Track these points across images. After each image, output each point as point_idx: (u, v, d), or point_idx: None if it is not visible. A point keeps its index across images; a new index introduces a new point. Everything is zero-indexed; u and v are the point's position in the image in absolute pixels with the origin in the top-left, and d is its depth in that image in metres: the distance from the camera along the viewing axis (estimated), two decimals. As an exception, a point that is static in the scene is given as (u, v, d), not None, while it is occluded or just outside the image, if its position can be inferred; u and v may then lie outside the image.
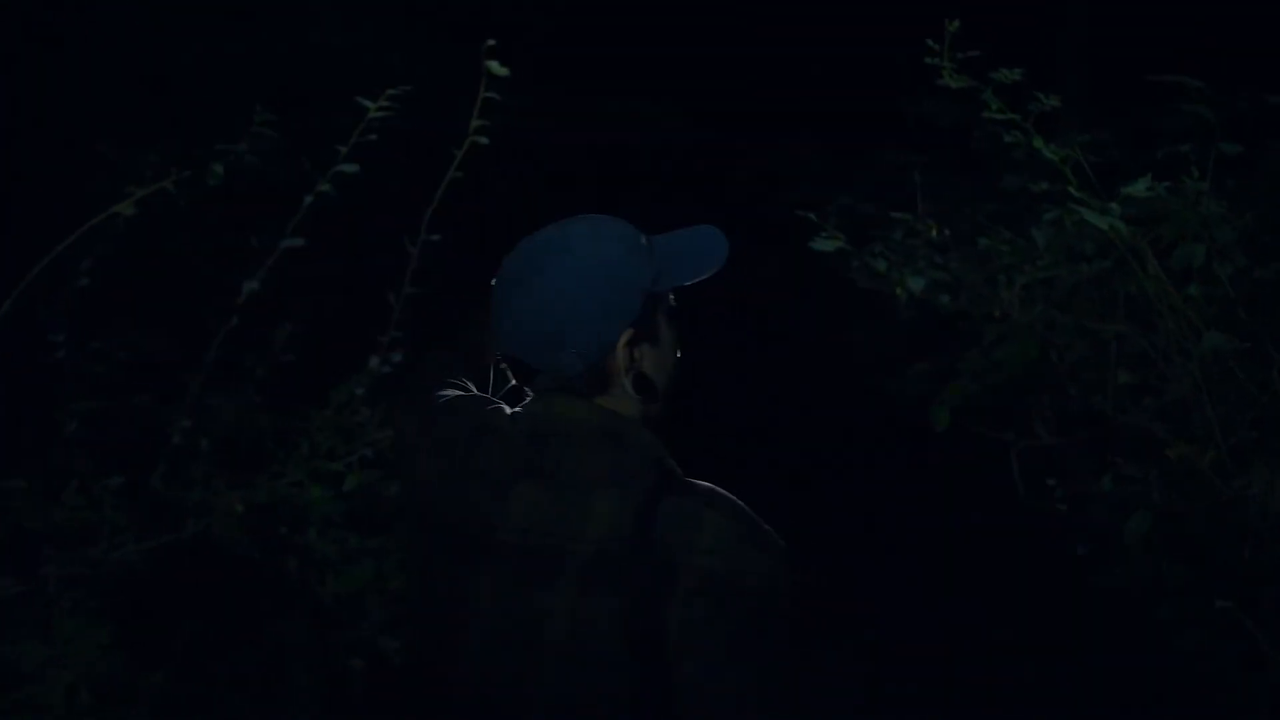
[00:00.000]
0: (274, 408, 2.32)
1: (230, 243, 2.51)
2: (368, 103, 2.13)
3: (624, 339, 1.04)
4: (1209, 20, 3.46)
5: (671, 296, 1.11)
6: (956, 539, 2.93)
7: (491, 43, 2.10)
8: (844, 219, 2.35)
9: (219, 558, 2.22)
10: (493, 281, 1.09)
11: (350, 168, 2.17)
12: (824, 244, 2.00)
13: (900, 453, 2.92)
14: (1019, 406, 2.15)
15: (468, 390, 1.17)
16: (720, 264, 1.08)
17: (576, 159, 3.43)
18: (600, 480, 0.99)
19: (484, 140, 2.19)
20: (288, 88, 3.02)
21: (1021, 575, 2.71)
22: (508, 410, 1.08)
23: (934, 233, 2.15)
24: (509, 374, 1.09)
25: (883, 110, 3.19)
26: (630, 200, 3.42)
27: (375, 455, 2.30)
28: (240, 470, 2.24)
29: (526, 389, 1.08)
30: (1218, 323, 1.73)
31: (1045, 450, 2.06)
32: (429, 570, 1.07)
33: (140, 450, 2.21)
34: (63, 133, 2.85)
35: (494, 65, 2.13)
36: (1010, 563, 2.74)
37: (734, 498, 1.01)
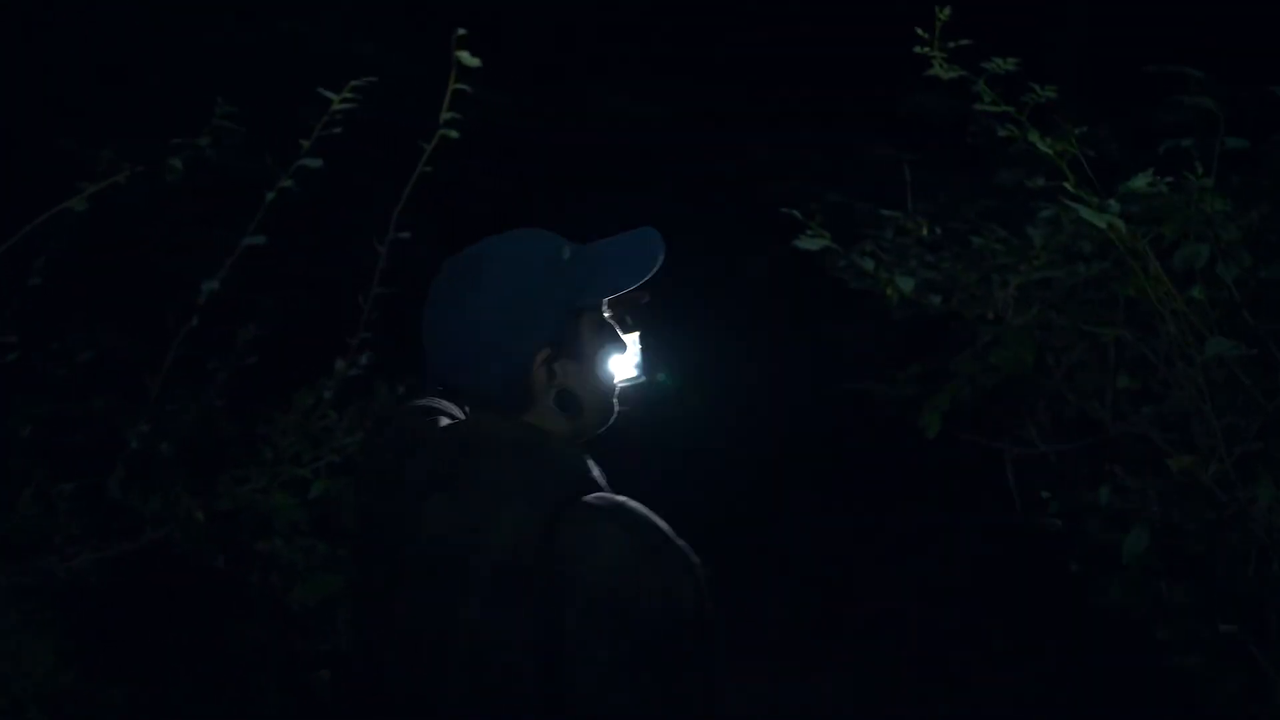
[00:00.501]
0: (238, 411, 2.23)
1: (196, 240, 2.42)
2: (330, 94, 2.04)
3: (540, 358, 1.04)
4: (1208, 14, 3.37)
5: (605, 308, 1.10)
6: (948, 548, 2.84)
7: (462, 32, 2.01)
8: (834, 216, 2.26)
9: (180, 567, 2.14)
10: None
11: (314, 162, 2.08)
12: (809, 242, 1.91)
13: (889, 460, 2.82)
14: (1013, 413, 2.07)
15: (443, 405, 1.18)
16: (651, 270, 1.07)
17: (559, 154, 3.33)
18: (509, 494, 1.00)
19: (454, 134, 2.09)
20: (266, 82, 2.93)
21: (1015, 589, 2.62)
22: (443, 424, 1.09)
23: (925, 231, 2.06)
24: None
25: (875, 105, 3.10)
26: (614, 196, 3.34)
27: (343, 461, 2.22)
28: (202, 476, 2.16)
29: (464, 407, 1.10)
30: (1221, 327, 1.63)
31: (1040, 458, 1.97)
32: (363, 580, 1.10)
33: (98, 455, 2.13)
34: (28, 127, 2.76)
35: (464, 56, 2.03)
36: (1004, 576, 2.65)
37: (647, 514, 1.00)
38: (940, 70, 1.74)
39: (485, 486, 1.01)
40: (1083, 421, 2.05)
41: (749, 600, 2.92)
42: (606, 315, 1.10)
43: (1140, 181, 1.57)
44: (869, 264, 1.94)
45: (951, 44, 1.74)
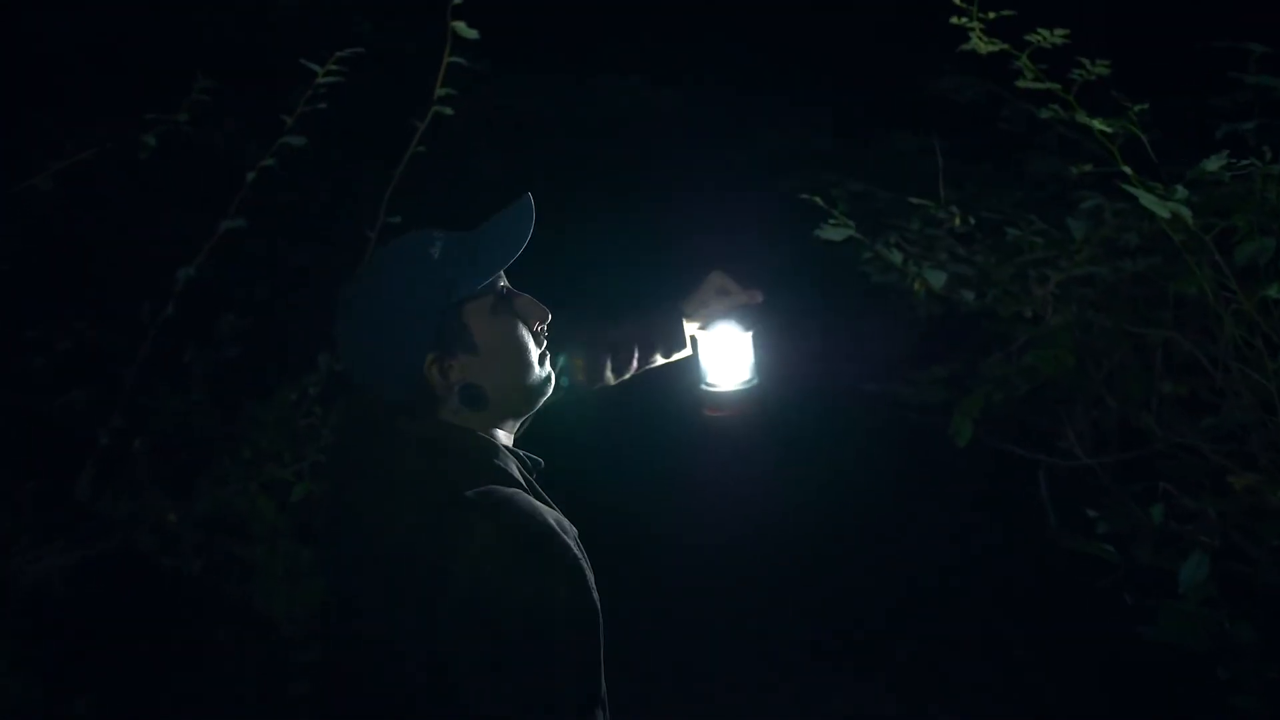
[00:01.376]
0: (218, 407, 2.10)
1: (178, 225, 2.29)
2: (315, 66, 1.89)
3: (428, 362, 1.04)
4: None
5: (503, 285, 1.08)
6: (977, 570, 2.67)
7: (458, 1, 1.85)
8: (854, 206, 2.10)
9: (153, 572, 2.00)
10: None
11: (297, 140, 1.93)
12: (831, 232, 1.75)
13: (910, 469, 2.66)
14: (1050, 419, 1.91)
15: None
16: (521, 245, 1.06)
17: (565, 134, 3.17)
18: (402, 490, 1.02)
19: (448, 111, 1.94)
20: (258, 62, 2.78)
21: (1052, 619, 2.43)
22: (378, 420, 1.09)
23: (958, 222, 1.89)
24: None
25: (896, 90, 2.92)
26: (620, 178, 3.18)
27: (329, 461, 2.08)
28: (178, 476, 2.02)
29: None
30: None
31: (1081, 472, 1.80)
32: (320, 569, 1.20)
33: (67, 452, 2.00)
34: (13, 108, 2.62)
35: (461, 27, 1.88)
36: (1038, 604, 2.47)
37: (528, 511, 0.99)
38: (979, 43, 1.57)
39: (384, 482, 1.02)
40: (1124, 430, 1.89)
41: (764, 610, 2.78)
42: (503, 291, 1.08)
43: (1214, 164, 1.40)
44: (897, 256, 1.78)
45: (991, 14, 1.58)
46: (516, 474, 1.05)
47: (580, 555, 0.99)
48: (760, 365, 1.24)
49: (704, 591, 2.80)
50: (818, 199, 1.73)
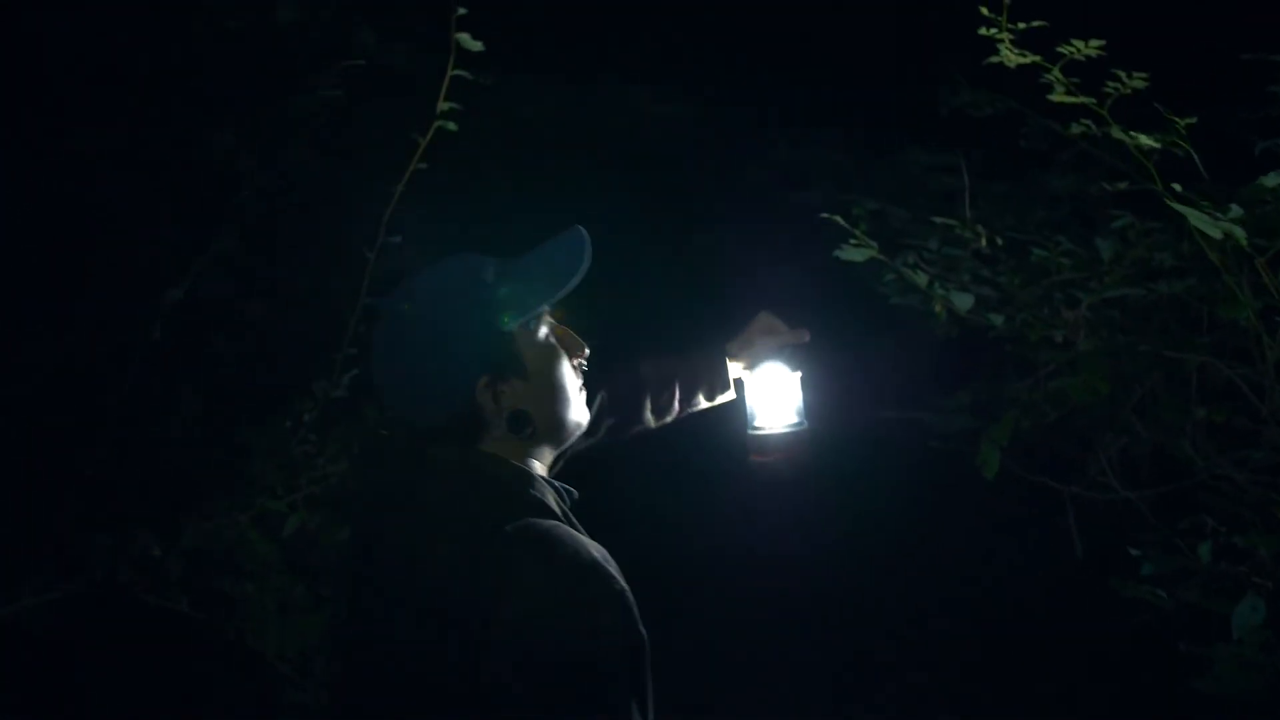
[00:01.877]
0: (209, 434, 2.01)
1: (173, 243, 2.21)
2: (315, 79, 1.82)
3: (480, 385, 1.02)
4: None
5: (548, 316, 1.07)
6: (1006, 612, 2.55)
7: (462, 11, 1.78)
8: (871, 225, 2.02)
9: (137, 611, 1.91)
10: None
11: (295, 156, 1.85)
12: (852, 253, 1.68)
13: (937, 497, 2.57)
14: (1081, 447, 1.82)
15: None
16: (576, 275, 1.05)
17: (572, 149, 3.10)
18: (443, 523, 0.99)
19: (452, 126, 1.87)
20: (257, 71, 2.71)
21: (1089, 669, 2.33)
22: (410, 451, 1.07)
23: (984, 241, 1.81)
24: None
25: (912, 101, 2.84)
26: (630, 199, 3.11)
27: (324, 492, 1.99)
28: (164, 508, 1.93)
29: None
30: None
31: (1117, 506, 1.72)
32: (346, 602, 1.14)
33: (46, 481, 1.90)
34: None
35: (465, 39, 1.81)
36: (1075, 652, 2.36)
37: (571, 543, 0.97)
38: (1009, 55, 1.50)
39: (424, 514, 1.00)
40: (1156, 459, 1.81)
41: (774, 647, 2.70)
42: (549, 323, 1.07)
43: (1273, 181, 1.33)
44: (921, 278, 1.70)
45: (1021, 25, 1.51)
46: (553, 504, 1.04)
47: (625, 585, 0.98)
48: (809, 407, 1.19)
49: (732, 614, 2.74)
50: (839, 219, 1.66)
